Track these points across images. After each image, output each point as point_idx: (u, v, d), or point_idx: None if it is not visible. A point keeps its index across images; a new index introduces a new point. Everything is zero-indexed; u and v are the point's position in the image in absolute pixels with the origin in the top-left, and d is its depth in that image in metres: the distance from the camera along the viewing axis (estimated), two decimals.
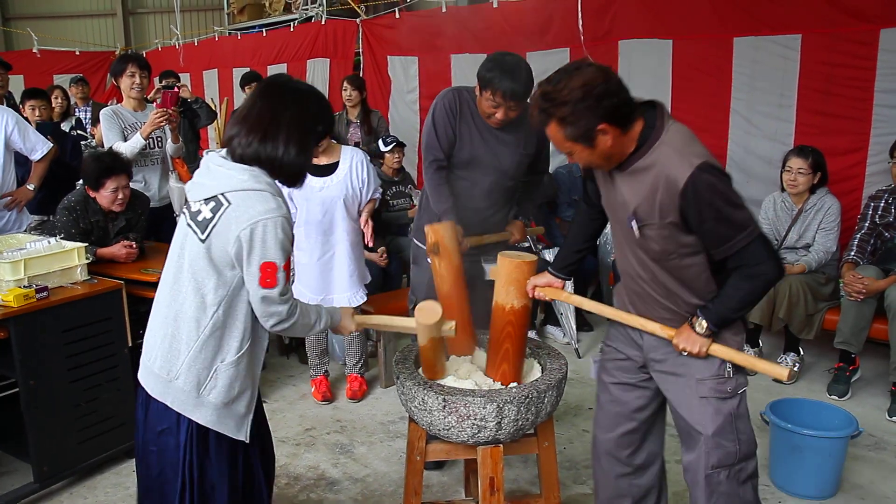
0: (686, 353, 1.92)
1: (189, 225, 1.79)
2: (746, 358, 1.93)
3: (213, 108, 6.30)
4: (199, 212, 1.77)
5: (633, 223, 1.84)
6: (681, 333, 1.91)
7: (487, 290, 2.31)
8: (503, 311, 2.21)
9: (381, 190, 3.69)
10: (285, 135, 1.76)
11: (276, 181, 1.82)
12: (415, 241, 2.92)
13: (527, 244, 4.34)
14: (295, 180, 1.86)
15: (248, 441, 1.89)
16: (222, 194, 1.74)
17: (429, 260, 2.73)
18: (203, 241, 1.74)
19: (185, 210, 1.84)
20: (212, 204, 1.74)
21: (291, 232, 1.79)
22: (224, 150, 1.81)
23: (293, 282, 3.25)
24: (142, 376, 1.87)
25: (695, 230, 1.78)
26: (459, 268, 2.36)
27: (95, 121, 6.61)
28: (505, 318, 2.20)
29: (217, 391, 1.81)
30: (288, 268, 1.79)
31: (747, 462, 1.98)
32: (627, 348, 2.11)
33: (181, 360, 1.79)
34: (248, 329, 1.83)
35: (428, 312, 2.06)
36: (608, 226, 2.17)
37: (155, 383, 1.83)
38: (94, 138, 6.00)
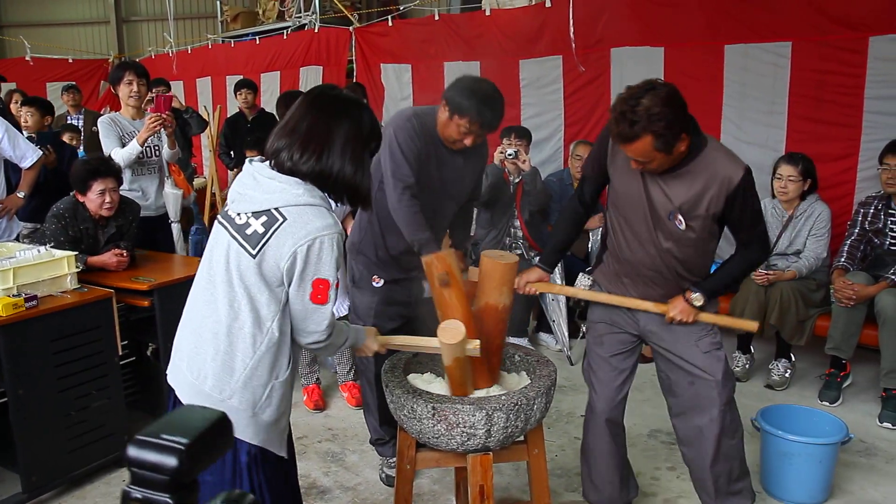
0: (676, 322, 2.30)
1: (235, 237, 1.70)
2: (725, 319, 2.47)
3: (206, 116, 6.29)
4: (247, 225, 1.69)
5: (679, 216, 2.17)
6: (675, 306, 2.29)
7: (430, 308, 2.32)
8: (496, 311, 2.25)
9: None
10: (341, 150, 1.70)
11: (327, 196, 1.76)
12: (355, 263, 2.80)
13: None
14: (355, 199, 1.80)
15: (287, 457, 1.86)
16: (276, 209, 1.66)
17: (376, 283, 2.73)
18: (254, 256, 1.67)
19: (223, 220, 1.76)
20: (263, 218, 1.67)
21: (344, 249, 1.72)
22: (268, 162, 1.73)
23: None
24: (188, 398, 1.73)
25: (733, 218, 2.18)
26: (467, 296, 2.28)
27: (88, 127, 6.61)
28: (499, 317, 2.26)
29: (271, 409, 1.74)
30: (338, 287, 1.74)
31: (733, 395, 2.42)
32: (623, 323, 2.44)
33: (235, 377, 1.70)
34: (294, 346, 1.79)
35: (451, 332, 2.05)
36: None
37: (205, 405, 1.72)
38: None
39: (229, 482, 1.74)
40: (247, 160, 1.79)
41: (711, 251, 2.32)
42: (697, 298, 2.27)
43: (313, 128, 1.70)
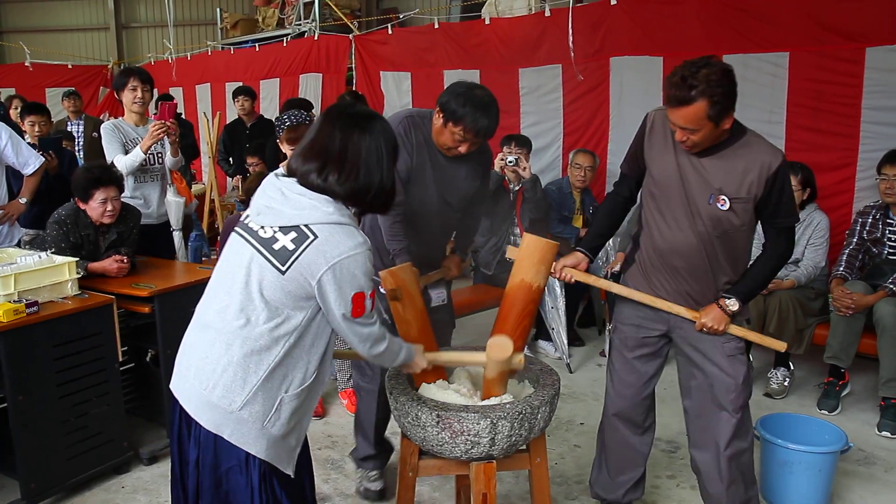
0: (707, 330, 2.31)
1: (260, 251, 1.69)
2: (754, 334, 2.41)
3: (206, 122, 6.32)
4: (273, 239, 1.68)
5: (722, 197, 2.20)
6: (708, 313, 2.30)
7: (437, 316, 2.35)
8: (529, 290, 2.26)
9: None
10: (376, 165, 1.72)
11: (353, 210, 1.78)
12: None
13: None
14: (385, 208, 1.85)
15: (293, 476, 1.83)
16: (307, 226, 1.66)
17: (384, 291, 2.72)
18: (283, 272, 1.66)
19: (243, 231, 1.75)
20: (293, 234, 1.66)
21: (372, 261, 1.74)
22: (295, 179, 1.72)
23: None
24: (194, 409, 1.72)
25: (770, 204, 2.22)
26: (424, 311, 2.29)
27: (88, 133, 6.61)
28: (530, 297, 2.26)
29: (280, 423, 1.73)
30: (374, 295, 1.77)
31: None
32: (652, 323, 2.45)
33: (248, 389, 1.68)
34: (313, 362, 1.76)
35: (500, 348, 2.09)
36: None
37: (212, 414, 1.70)
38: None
39: (243, 490, 1.74)
40: (272, 174, 1.78)
41: (749, 243, 2.33)
42: (732, 304, 2.28)
43: (345, 147, 1.70)
